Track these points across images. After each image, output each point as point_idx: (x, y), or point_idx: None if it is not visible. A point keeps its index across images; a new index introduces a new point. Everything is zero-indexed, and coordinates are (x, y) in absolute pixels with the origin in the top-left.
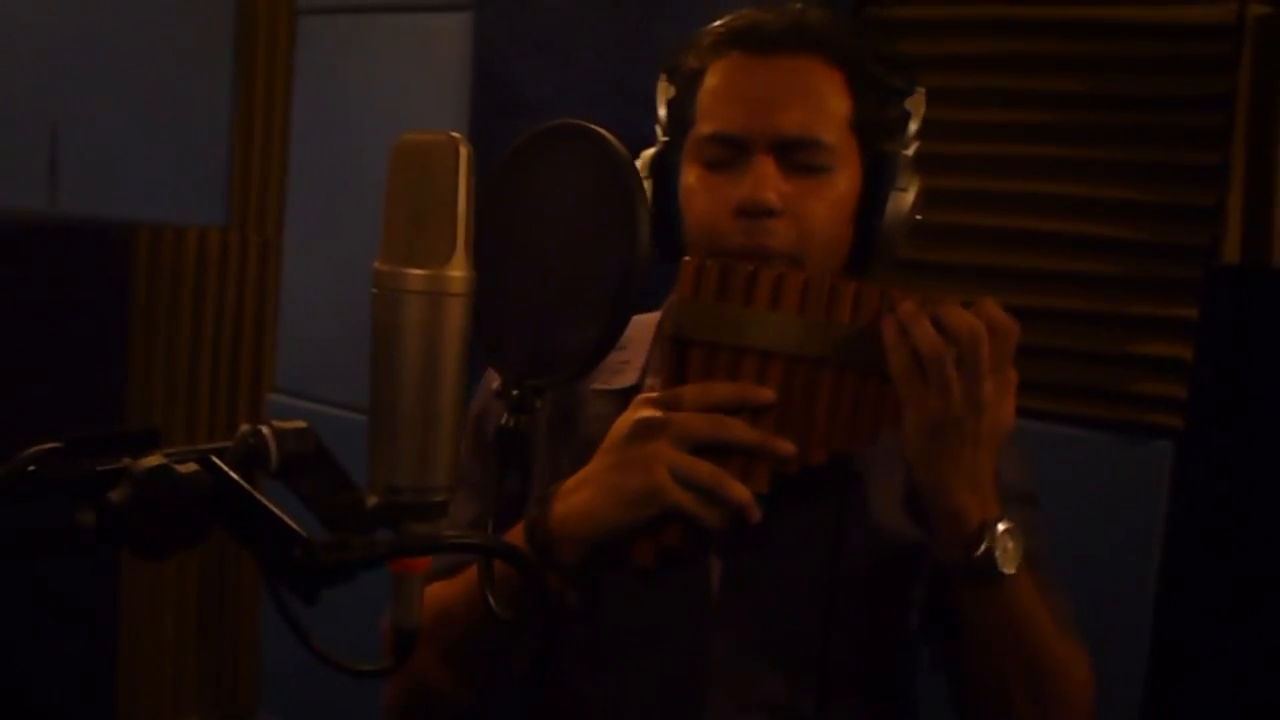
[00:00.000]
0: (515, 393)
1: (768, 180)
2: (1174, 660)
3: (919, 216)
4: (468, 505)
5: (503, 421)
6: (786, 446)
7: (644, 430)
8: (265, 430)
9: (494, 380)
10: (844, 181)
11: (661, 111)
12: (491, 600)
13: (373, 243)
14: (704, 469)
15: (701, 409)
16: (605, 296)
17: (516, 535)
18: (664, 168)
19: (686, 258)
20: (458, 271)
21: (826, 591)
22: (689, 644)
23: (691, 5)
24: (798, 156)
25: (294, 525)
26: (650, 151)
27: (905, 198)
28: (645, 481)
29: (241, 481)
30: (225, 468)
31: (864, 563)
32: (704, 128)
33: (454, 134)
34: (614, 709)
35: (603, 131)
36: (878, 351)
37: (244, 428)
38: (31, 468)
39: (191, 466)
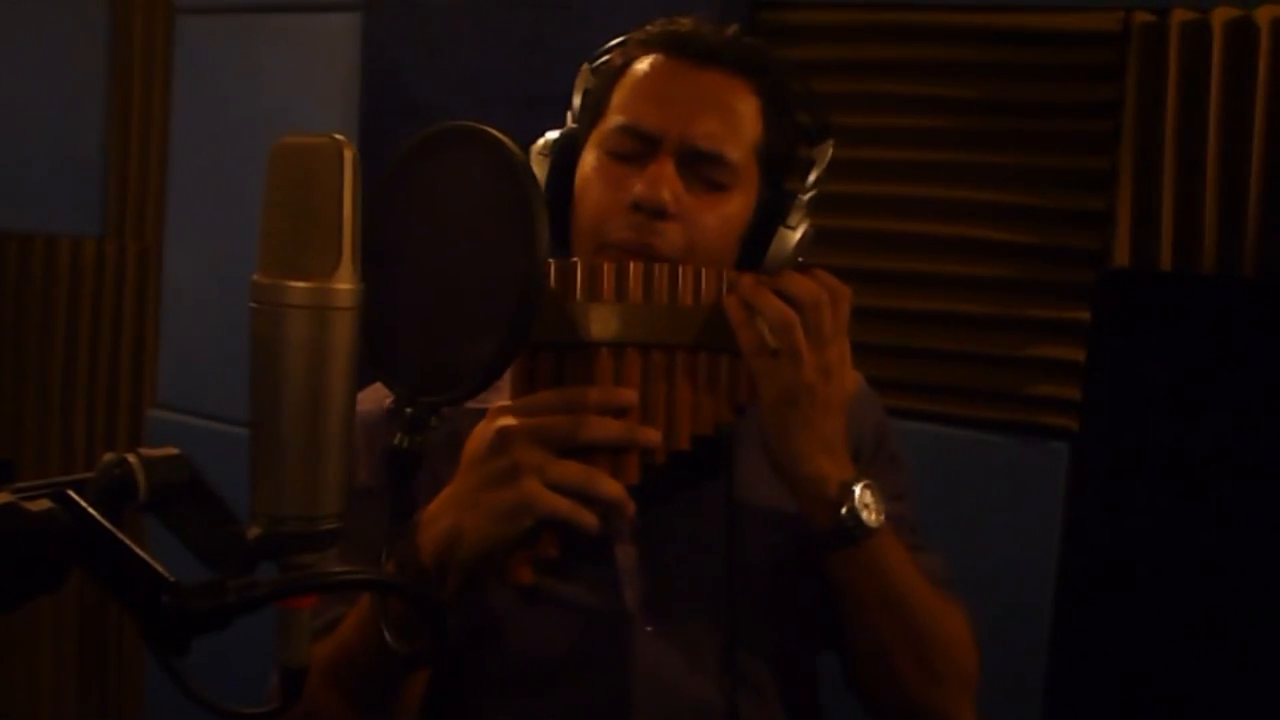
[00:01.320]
0: (409, 410)
1: (668, 183)
2: (1072, 661)
3: (801, 259)
4: (337, 561)
5: (395, 441)
6: (653, 435)
7: (505, 440)
8: (132, 459)
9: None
10: (738, 203)
11: (576, 100)
12: (388, 636)
13: (253, 246)
14: (574, 470)
15: (561, 409)
16: (504, 307)
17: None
18: (566, 153)
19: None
20: (344, 284)
21: (727, 579)
22: (611, 660)
23: (586, 6)
24: (701, 168)
25: (160, 569)
26: (553, 134)
27: (791, 236)
28: (514, 493)
29: (101, 519)
30: (83, 504)
31: (761, 544)
32: (616, 119)
33: (337, 135)
34: None
35: (497, 133)
36: (725, 330)
37: (108, 457)
38: None
39: (44, 504)
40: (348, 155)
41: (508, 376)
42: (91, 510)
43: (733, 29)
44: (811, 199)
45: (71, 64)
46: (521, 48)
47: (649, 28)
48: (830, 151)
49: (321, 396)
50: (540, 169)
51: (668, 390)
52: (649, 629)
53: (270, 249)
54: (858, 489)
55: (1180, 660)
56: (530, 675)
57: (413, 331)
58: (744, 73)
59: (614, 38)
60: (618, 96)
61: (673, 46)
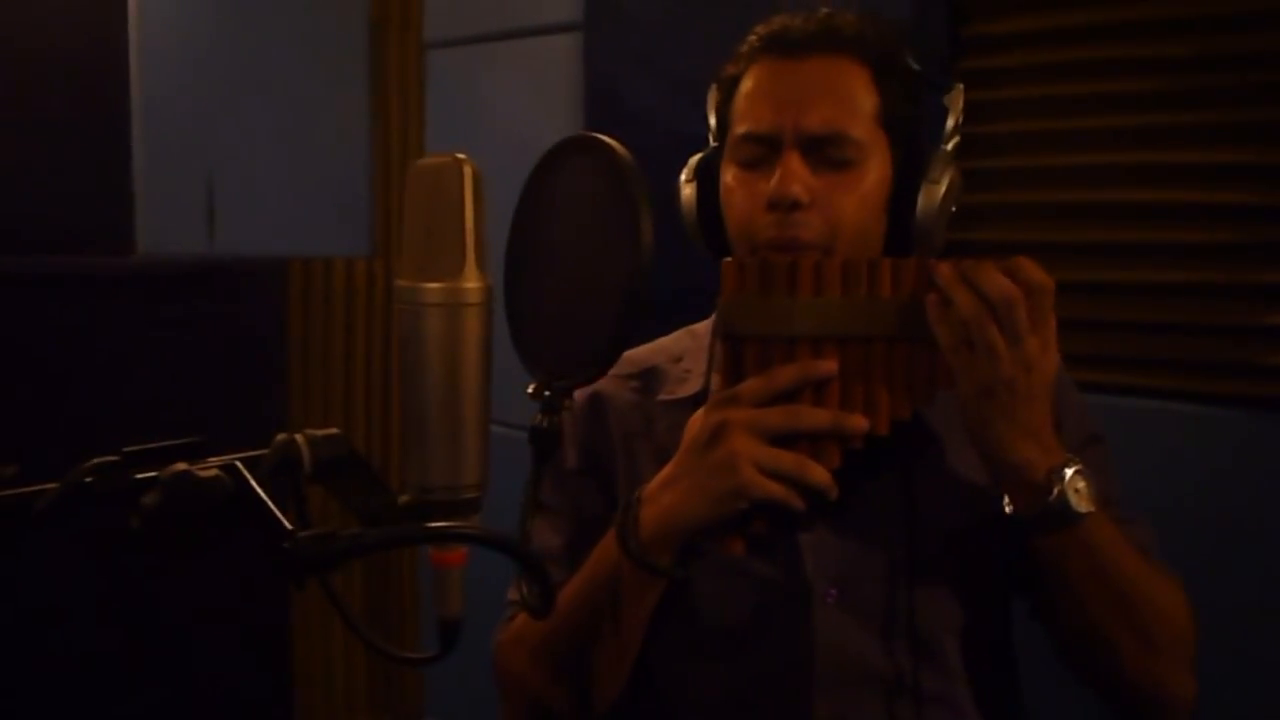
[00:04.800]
0: (546, 394)
1: (795, 175)
2: None
3: (954, 208)
4: (552, 533)
5: (534, 421)
6: (860, 422)
7: (721, 431)
8: (299, 438)
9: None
10: (873, 174)
11: (711, 118)
12: (524, 592)
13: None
14: (787, 459)
15: (767, 398)
16: (614, 299)
17: (609, 541)
18: (710, 171)
19: (726, 259)
20: (471, 283)
21: (908, 553)
22: (793, 628)
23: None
24: (825, 152)
25: (284, 521)
26: (696, 157)
27: (937, 189)
28: (732, 480)
29: (250, 480)
30: (243, 471)
31: (944, 521)
32: (739, 129)
33: (459, 155)
34: (718, 700)
35: (610, 141)
36: (922, 321)
37: (281, 436)
38: (89, 479)
39: (212, 472)
40: (467, 171)
41: (712, 367)
42: (247, 475)
43: (824, 11)
44: (955, 146)
45: (338, 105)
46: (724, 54)
47: (751, 38)
48: (961, 97)
49: (457, 382)
50: (689, 192)
51: (866, 381)
52: (830, 599)
53: (408, 256)
54: (1068, 473)
55: None
56: (718, 643)
57: (546, 324)
58: (844, 49)
59: None
60: (737, 109)
61: (772, 48)
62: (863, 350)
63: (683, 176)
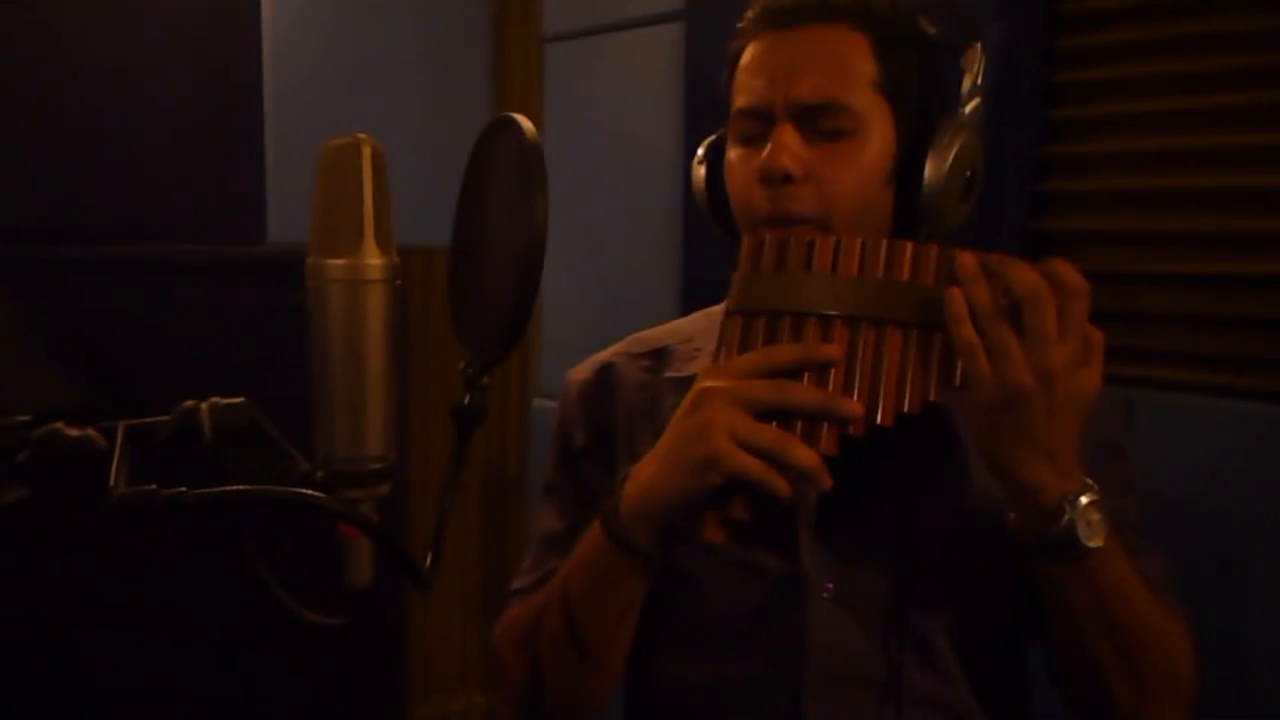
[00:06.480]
0: (469, 372)
1: (785, 147)
2: None
3: (969, 172)
4: (555, 518)
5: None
6: (853, 406)
7: (705, 398)
8: (202, 406)
9: (572, 389)
10: (874, 145)
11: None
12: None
13: (619, 249)
14: (766, 433)
15: (762, 373)
16: (514, 279)
17: (597, 523)
18: (716, 154)
19: (748, 235)
20: (372, 259)
21: (902, 558)
22: (787, 622)
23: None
24: (818, 122)
25: (114, 479)
26: (709, 138)
27: (944, 158)
28: (705, 448)
29: (98, 438)
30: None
31: (950, 525)
32: (736, 104)
33: (361, 135)
34: (714, 694)
35: (518, 119)
36: (939, 308)
37: (185, 404)
38: None
39: (83, 431)
40: (365, 151)
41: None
42: (90, 433)
43: None
44: (976, 111)
45: (461, 97)
46: None
47: (749, 12)
48: (979, 55)
49: (361, 355)
50: (700, 173)
51: (874, 364)
52: (825, 594)
53: (313, 235)
54: (1082, 502)
55: None
56: (715, 636)
57: (467, 304)
58: (840, 17)
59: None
60: (736, 85)
61: (767, 20)
62: (873, 334)
63: (695, 158)
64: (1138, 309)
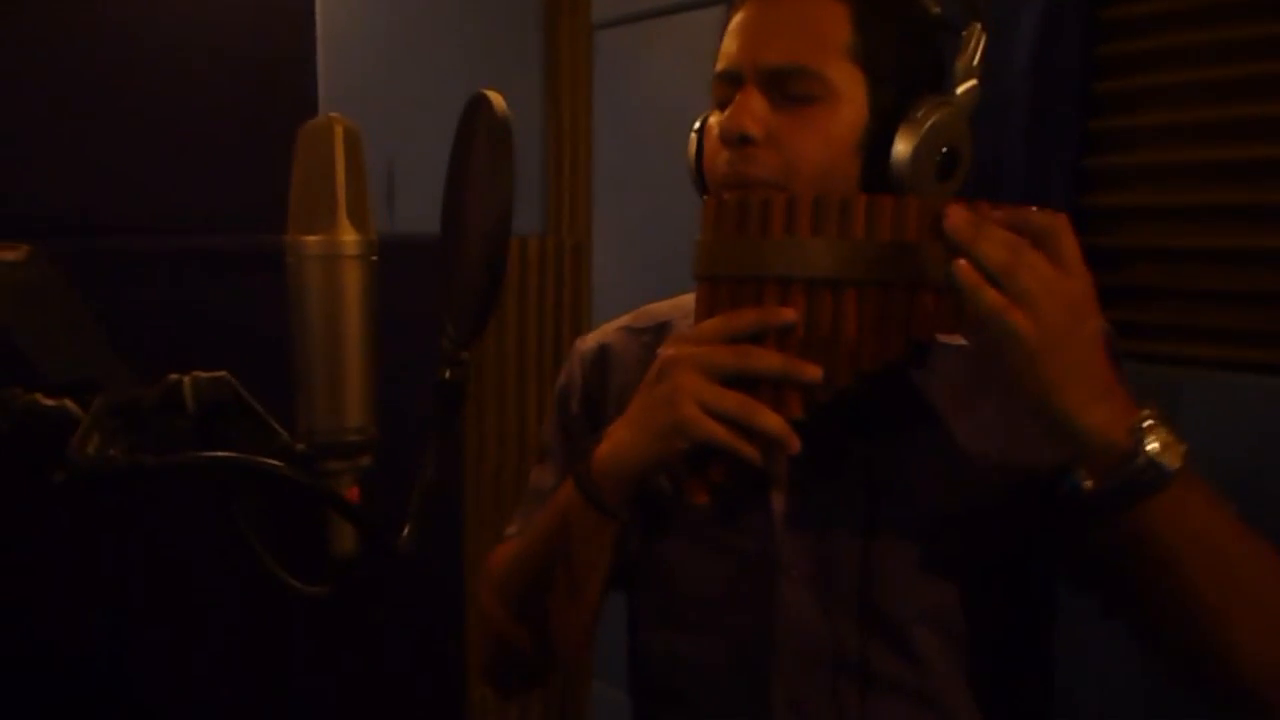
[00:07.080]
0: (448, 349)
1: (746, 109)
2: None
3: (946, 149)
4: (549, 475)
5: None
6: (811, 369)
7: (670, 366)
8: (185, 380)
9: (576, 357)
10: (843, 114)
11: None
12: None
13: (673, 238)
14: (732, 399)
15: (725, 339)
16: (483, 256)
17: (569, 481)
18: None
19: (707, 196)
20: (347, 236)
21: (870, 540)
22: (758, 601)
23: None
24: (785, 86)
25: (79, 445)
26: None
27: (914, 133)
28: (672, 415)
29: (72, 408)
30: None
31: (926, 502)
32: (714, 70)
33: (334, 115)
34: (692, 670)
35: (488, 94)
36: (901, 266)
37: (169, 377)
38: None
39: (59, 402)
40: (338, 130)
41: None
42: (67, 403)
43: None
44: (971, 92)
45: (512, 87)
46: None
47: None
48: (979, 34)
49: (338, 329)
50: (692, 140)
51: (832, 326)
52: (794, 573)
53: (291, 213)
54: (1147, 426)
55: None
56: (689, 612)
57: (452, 280)
58: None
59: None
60: (719, 51)
61: None
62: (831, 294)
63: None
64: (1185, 286)
